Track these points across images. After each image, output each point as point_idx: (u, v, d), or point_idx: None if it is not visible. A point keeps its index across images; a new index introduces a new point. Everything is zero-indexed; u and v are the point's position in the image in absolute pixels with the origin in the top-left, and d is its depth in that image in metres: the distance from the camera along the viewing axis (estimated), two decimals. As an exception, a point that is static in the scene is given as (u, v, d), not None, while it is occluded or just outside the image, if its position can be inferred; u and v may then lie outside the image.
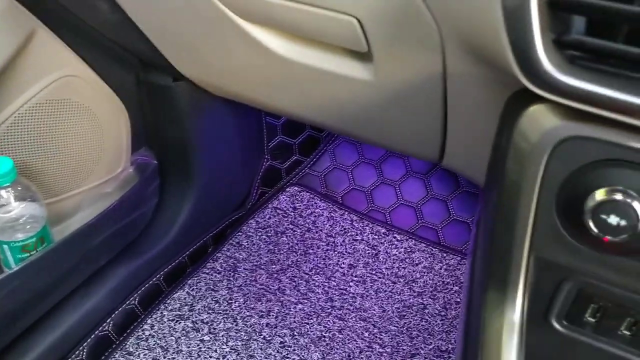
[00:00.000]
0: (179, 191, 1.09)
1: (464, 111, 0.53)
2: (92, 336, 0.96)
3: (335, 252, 1.17)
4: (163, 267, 1.07)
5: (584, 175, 0.38)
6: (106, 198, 0.96)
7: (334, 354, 1.00)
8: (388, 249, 1.17)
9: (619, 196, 0.36)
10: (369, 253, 1.17)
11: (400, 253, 1.16)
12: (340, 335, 1.03)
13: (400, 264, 1.14)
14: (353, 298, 1.09)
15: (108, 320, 0.98)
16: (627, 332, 0.44)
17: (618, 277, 0.40)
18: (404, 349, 1.01)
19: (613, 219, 0.37)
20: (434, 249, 1.16)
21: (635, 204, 0.36)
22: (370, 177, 1.28)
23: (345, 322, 1.05)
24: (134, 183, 0.99)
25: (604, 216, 0.37)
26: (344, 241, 1.19)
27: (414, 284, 1.11)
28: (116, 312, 0.99)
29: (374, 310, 1.07)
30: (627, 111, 0.32)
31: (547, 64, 0.33)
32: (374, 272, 1.13)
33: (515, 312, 0.44)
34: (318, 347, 1.00)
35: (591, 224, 0.37)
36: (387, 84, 0.55)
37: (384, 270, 1.13)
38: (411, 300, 1.09)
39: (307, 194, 1.27)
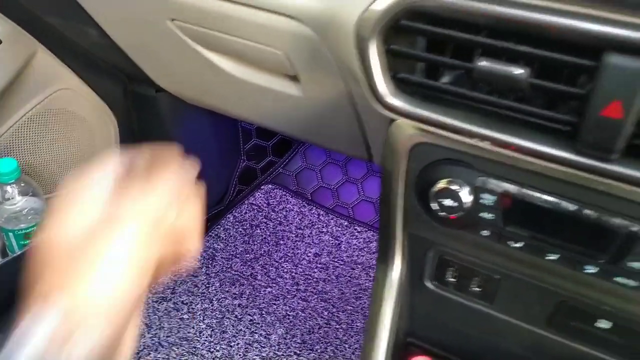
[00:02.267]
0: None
1: (372, 120, 0.67)
2: (85, 314, 1.10)
3: (303, 243, 1.31)
4: (149, 255, 1.21)
5: (430, 170, 0.52)
6: (97, 193, 1.10)
7: (296, 329, 1.14)
8: (349, 239, 1.32)
9: (452, 185, 0.51)
10: (332, 243, 1.31)
11: (359, 243, 1.30)
12: (303, 314, 1.17)
13: (360, 252, 1.29)
14: (316, 282, 1.23)
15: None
16: (477, 289, 0.58)
17: (461, 245, 0.54)
18: (357, 326, 1.15)
19: (448, 202, 0.51)
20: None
21: (461, 192, 0.50)
22: (337, 176, 1.43)
23: (308, 303, 1.19)
24: (122, 180, 1.13)
25: (441, 200, 0.51)
26: (311, 233, 1.33)
27: (370, 270, 1.25)
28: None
29: (334, 292, 1.21)
30: (447, 128, 0.47)
31: (386, 94, 0.47)
32: (336, 260, 1.28)
33: (394, 274, 0.59)
34: (283, 324, 1.15)
35: (434, 205, 0.52)
36: (313, 99, 0.70)
37: (344, 258, 1.28)
38: (367, 284, 1.23)
39: (280, 191, 1.42)
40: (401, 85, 0.48)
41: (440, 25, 0.43)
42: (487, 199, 0.50)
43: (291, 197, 1.41)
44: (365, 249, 1.29)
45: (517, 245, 0.51)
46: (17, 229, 0.92)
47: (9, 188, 0.89)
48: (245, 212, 1.38)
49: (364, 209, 1.37)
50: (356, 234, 1.32)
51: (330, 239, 1.32)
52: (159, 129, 1.15)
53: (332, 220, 1.35)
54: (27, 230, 0.93)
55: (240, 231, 1.34)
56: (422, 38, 0.46)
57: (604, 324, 0.52)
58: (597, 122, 0.38)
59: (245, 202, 1.40)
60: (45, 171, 1.00)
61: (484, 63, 0.41)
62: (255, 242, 1.31)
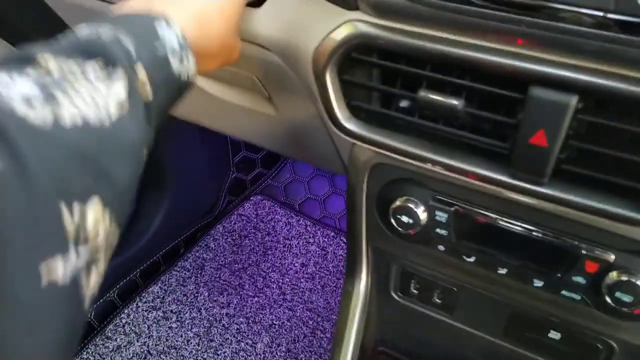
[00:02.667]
0: (154, 200, 1.27)
1: (340, 140, 0.71)
2: (99, 302, 1.14)
3: (291, 253, 1.35)
4: (139, 265, 1.25)
5: (389, 188, 0.55)
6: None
7: (281, 338, 1.17)
8: (336, 249, 1.35)
9: (408, 203, 0.54)
10: (319, 253, 1.34)
11: (344, 252, 1.34)
12: (289, 323, 1.20)
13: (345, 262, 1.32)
14: (303, 292, 1.26)
15: (90, 310, 1.16)
16: (438, 300, 0.61)
17: (420, 259, 0.58)
18: (341, 334, 1.18)
19: (405, 218, 0.54)
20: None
21: (417, 209, 0.54)
22: (324, 188, 1.46)
23: (293, 312, 1.22)
24: (112, 193, 1.17)
25: (399, 216, 0.55)
26: (298, 243, 1.37)
27: (355, 280, 1.28)
28: (97, 304, 1.17)
29: (319, 302, 1.24)
30: (399, 153, 0.50)
31: (342, 119, 0.50)
32: (322, 270, 1.31)
33: (361, 286, 0.62)
34: (268, 333, 1.18)
35: (393, 222, 0.55)
36: (286, 118, 0.73)
37: (331, 268, 1.31)
38: (352, 293, 1.26)
39: (269, 202, 1.45)
40: (357, 111, 0.51)
41: (391, 58, 0.47)
42: (441, 216, 0.53)
43: (279, 208, 1.44)
44: (350, 259, 1.32)
45: (470, 259, 0.54)
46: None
47: None
48: (235, 223, 1.41)
49: (350, 219, 1.41)
50: (342, 244, 1.36)
51: (317, 249, 1.35)
52: (149, 143, 1.19)
53: (319, 231, 1.39)
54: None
55: (230, 241, 1.37)
56: (376, 68, 0.49)
57: (554, 334, 0.55)
58: (527, 149, 0.42)
59: (235, 212, 1.43)
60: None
61: (424, 94, 0.44)
62: (244, 253, 1.35)
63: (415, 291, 0.62)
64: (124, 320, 1.18)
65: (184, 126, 1.23)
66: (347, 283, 0.64)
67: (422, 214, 0.54)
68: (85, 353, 1.12)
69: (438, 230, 0.54)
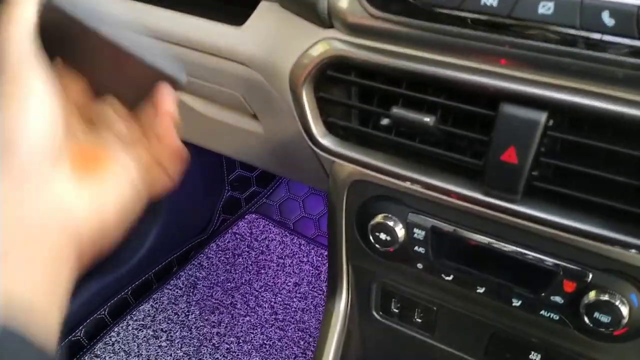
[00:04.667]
0: (148, 217, 1.27)
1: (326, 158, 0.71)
2: (65, 341, 1.13)
3: (284, 272, 1.34)
4: (131, 283, 1.24)
5: (368, 205, 0.55)
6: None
7: (272, 358, 1.16)
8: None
9: (387, 220, 0.54)
10: (312, 273, 1.33)
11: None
12: (280, 343, 1.19)
13: (338, 282, 1.31)
14: (295, 312, 1.25)
15: (80, 328, 1.15)
16: (419, 320, 0.60)
17: (400, 277, 0.57)
18: (332, 355, 1.17)
19: (383, 236, 0.54)
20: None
21: (395, 227, 0.53)
22: (319, 206, 1.46)
23: (285, 332, 1.21)
24: (105, 210, 1.17)
25: (377, 233, 0.54)
26: (292, 262, 1.36)
27: (348, 300, 1.27)
28: (88, 321, 1.16)
29: (311, 322, 1.23)
30: (374, 170, 0.50)
31: (319, 136, 0.51)
32: (315, 290, 1.30)
33: (342, 305, 0.61)
34: (259, 353, 1.17)
35: (371, 239, 0.55)
36: (272, 136, 0.74)
37: (324, 287, 1.30)
38: (344, 313, 1.25)
39: (263, 220, 1.45)
40: (334, 128, 0.52)
41: (367, 76, 0.47)
42: (418, 233, 0.53)
43: (274, 226, 1.44)
44: (344, 279, 1.31)
45: (448, 278, 0.54)
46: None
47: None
48: (229, 241, 1.41)
49: (344, 239, 1.40)
50: (336, 263, 1.35)
51: (311, 268, 1.34)
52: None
53: (312, 250, 1.38)
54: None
55: (223, 260, 1.37)
56: (354, 85, 0.50)
57: (535, 356, 0.55)
58: (498, 166, 0.42)
59: (229, 231, 1.43)
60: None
61: (397, 111, 0.44)
62: (237, 271, 1.34)
63: (395, 310, 0.61)
64: (113, 339, 1.17)
65: (179, 144, 1.24)
66: (329, 302, 0.63)
67: (400, 231, 0.54)
68: (73, 371, 1.11)
69: (416, 248, 0.53)
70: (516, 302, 0.51)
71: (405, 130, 0.48)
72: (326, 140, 0.51)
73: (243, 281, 1.32)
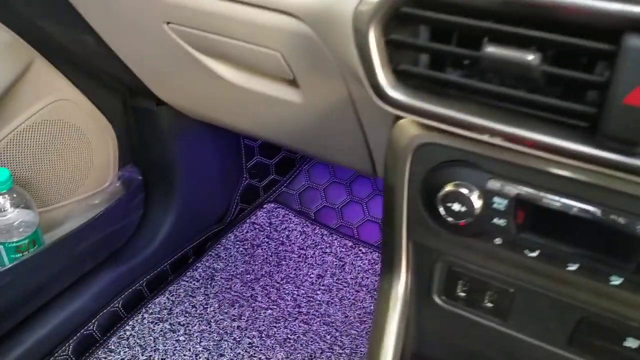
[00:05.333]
0: (162, 205, 1.20)
1: (375, 127, 0.64)
2: (78, 335, 1.06)
3: (306, 264, 1.27)
4: (146, 274, 1.17)
5: (437, 173, 0.48)
6: (94, 209, 1.07)
7: (297, 354, 1.09)
8: (354, 260, 1.27)
9: (460, 189, 0.47)
10: (336, 264, 1.26)
11: (364, 264, 1.26)
12: (304, 338, 1.12)
13: (364, 274, 1.24)
14: (319, 305, 1.18)
15: (93, 321, 1.08)
16: (490, 304, 0.53)
17: (471, 255, 0.50)
18: (362, 351, 1.09)
19: (456, 206, 0.47)
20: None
21: (472, 195, 0.46)
22: (341, 196, 1.39)
23: (309, 326, 1.14)
24: (120, 196, 1.10)
25: (450, 204, 0.47)
26: (314, 253, 1.29)
27: (375, 293, 1.20)
28: (101, 314, 1.09)
29: (337, 315, 1.16)
30: (454, 123, 0.43)
31: (387, 87, 0.44)
32: (339, 282, 1.23)
33: (400, 288, 0.54)
34: (283, 348, 1.09)
35: (441, 210, 0.48)
36: (313, 106, 0.67)
37: (349, 279, 1.23)
38: (372, 307, 1.18)
39: (283, 210, 1.38)
40: (403, 78, 0.45)
41: (444, 14, 0.40)
42: (499, 203, 0.46)
43: (294, 216, 1.37)
44: (370, 271, 1.24)
45: (533, 254, 0.47)
46: (8, 242, 0.89)
47: (0, 199, 0.86)
48: (247, 232, 1.34)
49: (369, 229, 1.33)
50: (361, 255, 1.28)
51: (334, 260, 1.27)
52: (159, 144, 1.13)
53: (336, 241, 1.31)
54: (19, 243, 0.90)
55: (241, 251, 1.30)
56: (425, 28, 0.43)
57: (632, 342, 0.47)
58: (620, 112, 0.35)
59: (247, 221, 1.36)
60: (39, 184, 0.98)
61: (492, 49, 0.37)
62: (256, 263, 1.27)
63: (462, 294, 0.54)
64: (128, 333, 1.10)
65: (196, 129, 1.16)
66: (384, 286, 0.56)
67: (476, 201, 0.47)
68: (85, 367, 1.04)
69: (495, 220, 0.46)
70: (615, 280, 0.44)
71: (491, 77, 0.41)
72: (396, 92, 0.44)
73: (263, 273, 1.25)
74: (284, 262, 1.27)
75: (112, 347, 1.08)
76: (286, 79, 0.66)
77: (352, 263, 1.26)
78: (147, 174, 1.16)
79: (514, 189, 0.45)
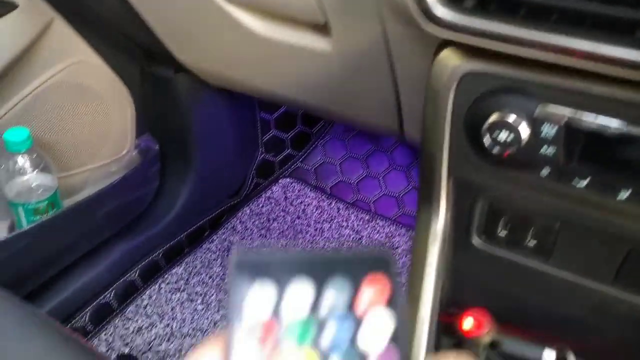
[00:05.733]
0: (179, 176, 1.19)
1: (408, 73, 0.63)
2: (94, 303, 1.05)
3: (322, 237, 1.25)
4: (162, 245, 1.16)
5: (482, 102, 0.47)
6: (111, 177, 1.06)
7: (316, 323, 1.07)
8: (371, 233, 1.26)
9: (507, 117, 0.45)
10: (353, 238, 1.25)
11: (381, 237, 1.24)
12: (323, 308, 1.11)
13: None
14: (337, 277, 1.17)
15: (110, 290, 1.07)
16: (532, 243, 0.52)
17: (515, 189, 0.49)
18: (381, 321, 1.08)
19: (502, 135, 0.46)
20: (413, 234, 1.24)
21: (519, 124, 0.45)
22: (357, 171, 1.38)
23: (328, 297, 1.13)
24: (136, 164, 1.09)
25: (496, 134, 0.46)
26: (330, 227, 1.28)
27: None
28: (117, 283, 1.08)
29: (355, 287, 1.15)
30: (504, 39, 0.42)
31: (436, 6, 0.42)
32: (357, 254, 1.21)
33: (439, 226, 0.53)
34: (301, 318, 1.08)
35: (486, 141, 0.46)
36: (343, 54, 0.65)
37: (366, 252, 1.22)
38: (390, 279, 1.16)
39: (298, 185, 1.37)
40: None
41: None
42: (548, 130, 0.45)
43: (310, 191, 1.35)
44: (387, 244, 1.23)
45: (582, 184, 0.45)
46: (27, 204, 0.88)
47: (19, 159, 0.85)
48: (262, 206, 1.33)
49: (385, 204, 1.32)
50: (378, 228, 1.26)
51: (351, 233, 1.26)
52: (177, 113, 1.12)
53: (352, 215, 1.30)
54: (37, 206, 0.89)
55: (257, 224, 1.28)
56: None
57: (681, 276, 0.46)
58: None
59: (263, 195, 1.35)
60: (57, 149, 0.96)
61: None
62: (273, 236, 1.26)
63: (502, 234, 0.53)
64: (145, 302, 1.09)
65: (213, 99, 1.15)
66: (421, 224, 0.55)
67: (524, 130, 0.45)
68: (104, 334, 1.03)
69: (544, 148, 0.45)
70: (670, 208, 0.43)
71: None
72: (446, 10, 0.42)
73: (279, 246, 1.23)
74: (300, 236, 1.26)
75: (130, 316, 1.07)
76: (316, 24, 0.65)
77: (369, 236, 1.25)
78: (164, 144, 1.15)
79: (563, 115, 0.44)
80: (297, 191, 1.36)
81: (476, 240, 0.54)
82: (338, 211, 1.31)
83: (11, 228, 0.92)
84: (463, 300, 0.57)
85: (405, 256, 1.20)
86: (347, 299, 0.23)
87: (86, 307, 1.04)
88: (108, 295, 1.06)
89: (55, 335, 0.60)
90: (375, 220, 1.28)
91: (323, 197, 1.34)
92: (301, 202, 1.33)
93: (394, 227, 1.26)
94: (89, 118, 0.99)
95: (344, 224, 1.28)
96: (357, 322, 0.23)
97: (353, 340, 0.23)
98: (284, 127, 1.36)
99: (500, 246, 0.53)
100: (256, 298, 0.23)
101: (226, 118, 1.21)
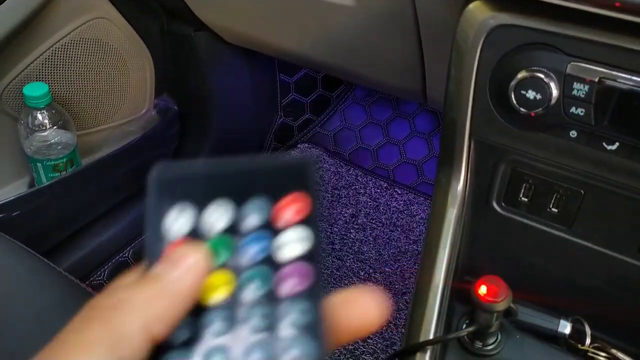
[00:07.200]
0: (197, 138, 1.18)
1: (434, 31, 0.60)
2: (113, 261, 1.06)
3: (339, 203, 1.25)
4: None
5: (510, 58, 0.45)
6: (130, 136, 1.06)
7: (330, 288, 1.07)
8: (388, 201, 1.24)
9: (536, 74, 0.43)
10: (370, 205, 1.24)
11: (399, 205, 1.23)
12: (338, 273, 1.10)
13: (399, 215, 1.21)
14: (352, 243, 1.16)
15: (128, 248, 1.08)
16: (555, 209, 0.50)
17: (540, 151, 0.47)
18: (396, 288, 1.08)
19: (530, 94, 0.44)
20: (431, 202, 1.22)
21: (549, 81, 0.43)
22: (377, 137, 1.36)
23: (343, 262, 1.12)
24: (155, 124, 1.09)
25: (523, 92, 0.44)
26: (348, 194, 1.26)
27: (410, 233, 1.18)
28: (135, 242, 1.09)
29: (371, 253, 1.14)
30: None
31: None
32: (374, 221, 1.20)
33: (459, 188, 0.51)
34: (316, 282, 1.08)
35: (513, 99, 0.44)
36: (366, 8, 0.63)
37: (383, 220, 1.21)
38: (406, 246, 1.15)
39: (317, 150, 1.35)
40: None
41: None
42: (579, 89, 0.42)
43: (328, 157, 1.34)
44: (405, 212, 1.22)
45: (612, 147, 0.43)
46: (47, 159, 0.88)
47: (39, 115, 0.85)
48: (280, 170, 1.32)
49: (405, 171, 1.30)
50: (396, 196, 1.25)
51: (369, 200, 1.25)
52: (195, 72, 1.10)
53: (370, 182, 1.28)
54: (57, 162, 0.89)
55: (274, 189, 1.28)
56: None
57: None
58: None
59: (280, 160, 1.34)
60: (77, 105, 0.96)
61: None
62: (290, 200, 1.25)
63: (524, 199, 0.51)
64: (162, 261, 1.10)
65: (232, 59, 1.13)
66: (439, 186, 0.53)
67: (554, 88, 0.43)
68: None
69: (573, 108, 0.43)
70: None
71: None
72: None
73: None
74: (317, 201, 1.25)
75: (147, 274, 1.08)
76: (339, -22, 0.63)
77: (387, 204, 1.24)
78: (182, 105, 1.14)
79: (597, 73, 0.41)
80: (314, 156, 1.34)
81: (496, 205, 0.53)
82: (356, 178, 1.30)
83: (30, 184, 0.93)
84: (479, 266, 0.56)
85: (423, 224, 1.19)
86: (265, 217, 0.23)
87: (105, 264, 1.05)
88: (126, 254, 1.07)
89: (68, 288, 0.60)
90: (394, 188, 1.26)
91: (341, 163, 1.32)
92: (319, 168, 1.32)
93: (412, 195, 1.24)
94: (108, 75, 0.99)
95: (362, 190, 1.27)
96: (274, 240, 0.22)
97: (268, 258, 0.22)
98: (304, 91, 1.33)
99: (521, 211, 0.52)
100: (175, 218, 0.23)
101: (245, 79, 1.20)
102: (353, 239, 1.17)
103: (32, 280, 0.64)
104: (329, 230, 1.19)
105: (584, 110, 0.43)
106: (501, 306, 0.46)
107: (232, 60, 1.13)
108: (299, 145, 1.36)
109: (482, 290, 0.46)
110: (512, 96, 0.44)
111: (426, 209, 1.22)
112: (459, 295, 0.52)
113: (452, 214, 0.51)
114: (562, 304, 0.53)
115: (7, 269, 0.64)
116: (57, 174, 0.91)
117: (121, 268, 1.07)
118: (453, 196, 0.51)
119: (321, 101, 1.37)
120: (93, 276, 1.04)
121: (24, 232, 0.91)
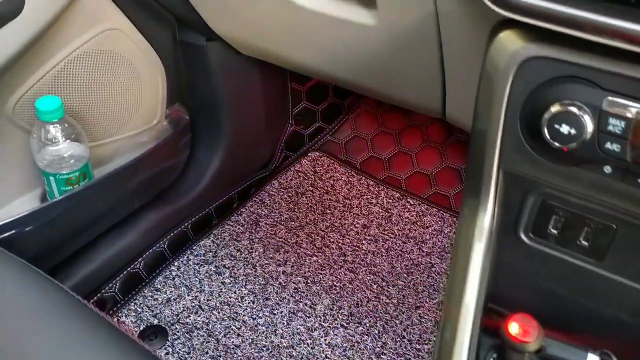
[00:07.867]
0: (209, 147, 1.17)
1: (457, 52, 0.59)
2: (124, 272, 1.06)
3: (351, 213, 1.24)
4: (191, 216, 1.16)
5: (543, 91, 0.43)
6: (142, 146, 1.05)
7: (343, 301, 1.07)
8: (401, 212, 1.23)
9: (571, 108, 0.42)
10: (382, 215, 1.23)
11: (412, 216, 1.22)
12: (350, 286, 1.10)
13: (412, 226, 1.20)
14: (365, 254, 1.15)
15: (139, 260, 1.07)
16: (585, 243, 0.49)
17: (572, 186, 0.46)
18: (409, 302, 1.07)
19: (564, 128, 0.42)
20: (444, 214, 1.21)
21: (584, 115, 0.42)
22: (389, 146, 1.34)
23: (355, 275, 1.11)
24: (168, 134, 1.08)
25: (557, 126, 0.43)
26: (359, 203, 1.25)
27: (423, 245, 1.17)
28: (147, 253, 1.08)
29: (383, 266, 1.13)
30: (571, 24, 0.38)
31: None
32: (386, 233, 1.19)
33: (486, 220, 0.50)
34: (329, 295, 1.08)
35: (546, 133, 0.43)
36: (389, 28, 0.62)
37: (395, 231, 1.20)
38: (420, 259, 1.14)
39: (328, 159, 1.34)
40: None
41: None
42: (615, 125, 0.41)
43: (339, 166, 1.33)
44: (418, 223, 1.21)
45: (649, 184, 0.42)
46: (59, 173, 0.88)
47: (51, 128, 0.85)
48: (291, 179, 1.31)
49: (417, 181, 1.29)
50: (408, 206, 1.24)
51: (380, 210, 1.24)
52: (207, 83, 1.09)
53: (382, 192, 1.27)
54: (69, 176, 0.89)
55: (285, 198, 1.27)
56: None
57: None
58: None
59: (291, 168, 1.33)
60: (89, 117, 0.95)
61: None
62: (301, 210, 1.24)
63: (554, 231, 0.50)
64: (174, 273, 1.10)
65: (244, 69, 1.12)
66: (466, 217, 0.52)
67: (589, 123, 0.42)
68: (133, 304, 1.04)
69: (608, 144, 0.42)
70: None
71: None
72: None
73: (307, 221, 1.22)
74: (328, 211, 1.24)
75: (159, 287, 1.07)
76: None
77: (399, 215, 1.23)
78: (195, 114, 1.13)
79: (634, 109, 0.40)
80: (326, 165, 1.33)
81: (524, 236, 0.52)
82: (368, 187, 1.28)
83: (42, 198, 0.92)
84: (506, 299, 0.55)
85: (436, 236, 1.18)
86: None
87: (116, 276, 1.04)
88: (138, 265, 1.07)
89: (78, 312, 0.59)
90: (406, 199, 1.25)
91: (353, 172, 1.31)
92: (330, 177, 1.31)
93: (425, 206, 1.23)
94: (121, 86, 0.98)
95: (374, 200, 1.26)
96: None
97: None
98: (315, 99, 1.32)
99: (550, 243, 0.51)
100: None
101: (257, 88, 1.19)
102: (365, 250, 1.16)
103: (37, 302, 0.63)
104: (341, 241, 1.18)
105: (619, 147, 0.41)
106: (533, 347, 0.45)
107: (244, 69, 1.12)
108: (309, 154, 1.35)
109: (514, 329, 0.45)
110: (545, 130, 0.43)
111: (439, 220, 1.20)
112: (486, 327, 0.51)
113: (479, 248, 0.50)
114: (590, 337, 0.52)
115: (8, 289, 0.62)
116: (69, 188, 0.90)
117: (132, 280, 1.07)
118: (480, 228, 0.50)
119: (332, 109, 1.36)
120: (104, 288, 1.03)
121: (36, 246, 0.90)
